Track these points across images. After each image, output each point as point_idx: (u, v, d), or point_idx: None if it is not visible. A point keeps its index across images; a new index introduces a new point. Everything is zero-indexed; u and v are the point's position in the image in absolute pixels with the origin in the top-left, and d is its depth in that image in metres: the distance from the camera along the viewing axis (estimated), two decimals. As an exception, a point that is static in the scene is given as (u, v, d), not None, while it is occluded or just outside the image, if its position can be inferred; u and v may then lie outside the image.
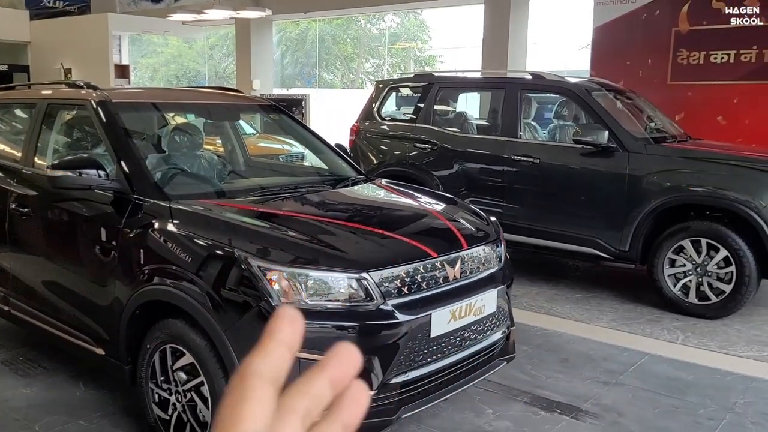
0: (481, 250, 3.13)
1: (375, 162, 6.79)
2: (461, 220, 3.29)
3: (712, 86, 7.83)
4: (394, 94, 7.57)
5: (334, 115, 15.11)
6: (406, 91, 7.85)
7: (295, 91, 17.90)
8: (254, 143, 8.02)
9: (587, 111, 5.65)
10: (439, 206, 3.50)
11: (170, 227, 2.85)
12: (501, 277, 3.24)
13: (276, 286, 2.51)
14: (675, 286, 5.07)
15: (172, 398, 2.83)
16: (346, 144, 7.09)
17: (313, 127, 12.45)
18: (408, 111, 7.29)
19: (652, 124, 6.04)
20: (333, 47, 24.86)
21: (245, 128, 8.93)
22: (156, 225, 2.90)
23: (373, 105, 7.03)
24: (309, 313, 2.51)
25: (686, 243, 5.01)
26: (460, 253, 2.99)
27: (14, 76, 13.70)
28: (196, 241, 2.74)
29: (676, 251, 5.05)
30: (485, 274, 3.12)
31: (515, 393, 3.67)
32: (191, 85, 24.41)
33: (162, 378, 2.86)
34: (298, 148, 8.97)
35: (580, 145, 5.44)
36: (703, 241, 4.93)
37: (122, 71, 14.73)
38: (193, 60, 25.84)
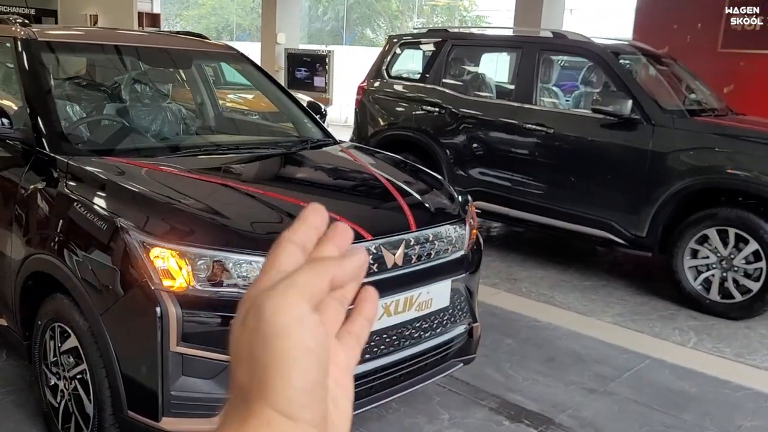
0: (435, 232, 2.62)
1: (382, 124, 6.28)
2: (417, 195, 2.78)
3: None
4: (408, 51, 6.95)
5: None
6: (427, 48, 7.24)
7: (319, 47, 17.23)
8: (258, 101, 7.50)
9: (611, 76, 4.99)
10: (398, 178, 2.97)
11: (60, 187, 2.44)
12: (462, 265, 2.74)
13: (158, 266, 2.08)
14: (695, 280, 4.47)
15: (61, 384, 2.46)
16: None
17: (338, 84, 11.94)
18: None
19: (692, 96, 5.36)
20: (376, 4, 24.02)
21: (245, 82, 8.40)
22: (47, 183, 2.49)
23: (384, 62, 6.47)
24: (197, 301, 2.08)
25: (711, 232, 4.39)
26: (405, 236, 2.49)
27: (42, 21, 13.55)
28: (83, 205, 2.32)
29: (699, 241, 4.43)
30: (439, 261, 2.62)
31: (482, 396, 3.19)
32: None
33: (53, 360, 2.49)
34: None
35: (601, 115, 4.81)
36: (731, 231, 4.31)
37: (153, 20, 14.42)
38: (235, 13, 25.40)
